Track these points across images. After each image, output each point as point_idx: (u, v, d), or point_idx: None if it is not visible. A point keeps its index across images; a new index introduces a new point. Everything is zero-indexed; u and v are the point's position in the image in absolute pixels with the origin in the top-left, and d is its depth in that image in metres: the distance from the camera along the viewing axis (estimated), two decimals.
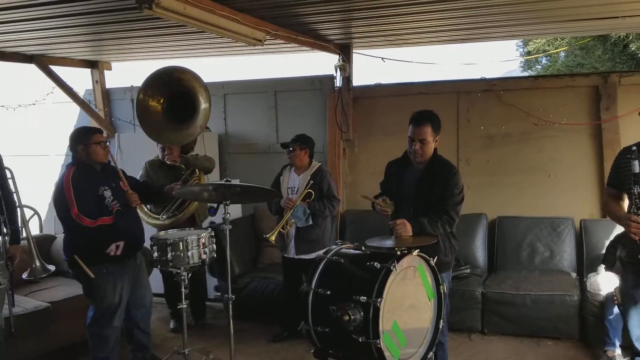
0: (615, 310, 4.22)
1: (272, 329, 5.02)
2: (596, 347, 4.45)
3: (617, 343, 4.25)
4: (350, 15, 4.62)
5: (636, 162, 2.87)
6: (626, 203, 3.08)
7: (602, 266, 4.63)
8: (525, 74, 10.91)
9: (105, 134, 4.05)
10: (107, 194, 3.85)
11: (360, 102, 6.14)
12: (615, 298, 4.20)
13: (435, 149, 3.55)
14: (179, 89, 4.06)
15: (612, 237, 4.74)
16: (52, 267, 4.11)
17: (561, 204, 5.53)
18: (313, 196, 4.66)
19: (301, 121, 6.24)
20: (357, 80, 6.17)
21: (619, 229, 3.92)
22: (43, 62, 6.16)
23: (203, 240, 3.87)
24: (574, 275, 5.11)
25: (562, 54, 11.21)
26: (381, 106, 6.04)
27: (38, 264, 4.01)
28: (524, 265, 5.34)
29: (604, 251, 4.79)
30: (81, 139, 3.87)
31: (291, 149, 4.77)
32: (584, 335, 4.63)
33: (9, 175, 3.93)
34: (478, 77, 5.81)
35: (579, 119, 5.50)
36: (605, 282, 4.53)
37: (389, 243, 3.14)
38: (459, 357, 4.45)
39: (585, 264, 5.13)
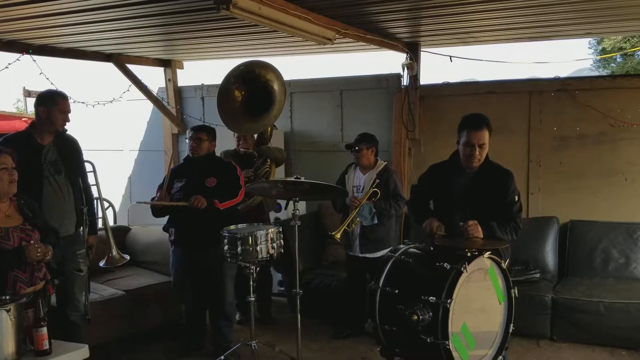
0: None
1: (334, 325, 5.05)
2: None
3: None
4: (419, 14, 4.58)
5: None
6: None
7: None
8: (598, 72, 10.49)
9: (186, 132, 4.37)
10: (177, 184, 4.23)
11: (427, 101, 6.07)
12: None
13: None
14: (260, 84, 4.16)
15: None
16: (127, 257, 4.32)
17: (638, 209, 5.27)
18: (379, 195, 4.65)
19: (366, 120, 6.23)
20: (425, 78, 6.10)
21: None
22: (120, 60, 6.44)
23: (271, 236, 3.93)
24: None
25: None
26: (449, 105, 5.94)
27: (115, 253, 4.20)
28: (597, 271, 5.13)
29: None
30: None
31: (357, 148, 4.77)
32: None
33: (90, 168, 4.17)
34: (550, 75, 5.67)
35: None
36: None
37: (459, 244, 3.10)
38: None
39: None
